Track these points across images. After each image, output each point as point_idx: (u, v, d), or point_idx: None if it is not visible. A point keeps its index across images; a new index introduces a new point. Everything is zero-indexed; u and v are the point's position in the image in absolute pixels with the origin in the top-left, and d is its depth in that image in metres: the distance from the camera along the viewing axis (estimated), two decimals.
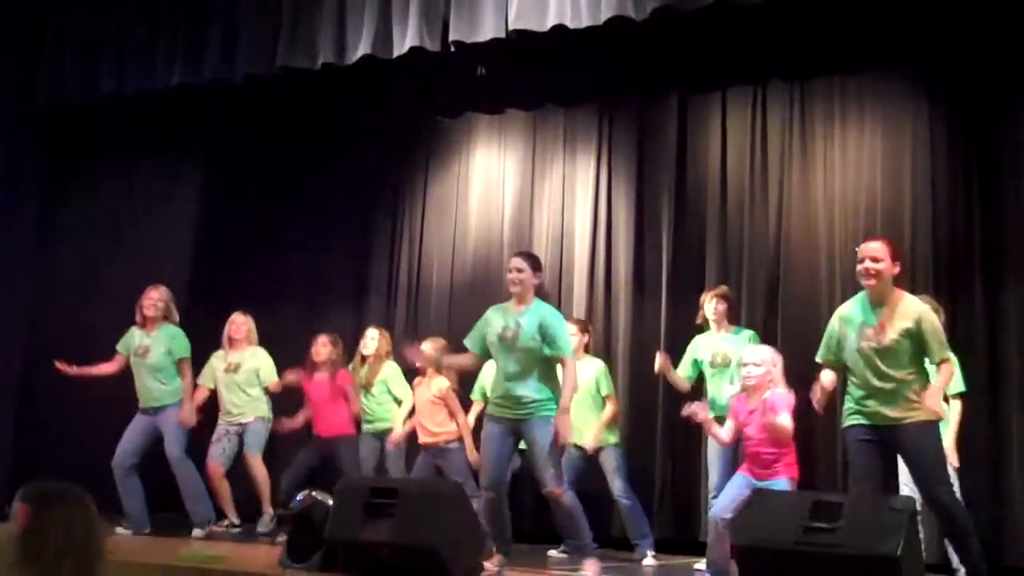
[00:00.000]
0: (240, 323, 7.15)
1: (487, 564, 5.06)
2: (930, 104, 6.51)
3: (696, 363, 6.22)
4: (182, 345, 6.83)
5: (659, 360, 6.23)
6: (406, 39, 6.59)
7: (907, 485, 4.86)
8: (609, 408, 6.42)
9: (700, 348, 6.20)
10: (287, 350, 7.28)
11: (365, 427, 7.02)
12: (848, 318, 4.81)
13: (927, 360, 4.72)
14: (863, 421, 4.68)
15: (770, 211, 6.88)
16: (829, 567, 4.06)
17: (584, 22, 6.16)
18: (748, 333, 6.19)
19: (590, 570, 5.19)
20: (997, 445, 6.02)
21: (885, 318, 4.68)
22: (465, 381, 6.67)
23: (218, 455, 7.06)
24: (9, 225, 8.36)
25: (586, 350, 6.51)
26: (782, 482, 5.19)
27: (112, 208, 8.58)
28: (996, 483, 5.97)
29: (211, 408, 7.18)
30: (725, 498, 5.31)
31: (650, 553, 6.22)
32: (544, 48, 6.64)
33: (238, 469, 7.21)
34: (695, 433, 6.73)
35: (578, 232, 7.51)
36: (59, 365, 6.78)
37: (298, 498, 5.35)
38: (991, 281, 6.20)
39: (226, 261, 8.45)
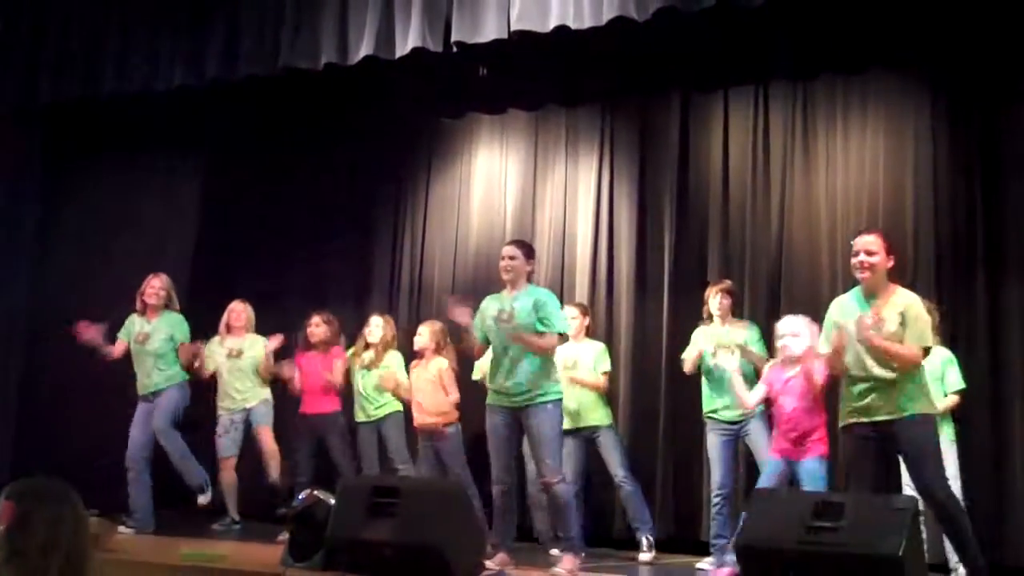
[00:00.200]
0: (240, 311, 7.21)
1: (489, 563, 5.07)
2: (932, 103, 6.51)
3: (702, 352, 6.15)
4: (184, 331, 6.88)
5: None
6: (408, 40, 6.60)
7: (909, 485, 4.87)
8: (601, 380, 6.48)
9: (701, 340, 6.17)
10: (289, 350, 7.28)
11: (361, 417, 7.02)
12: (844, 310, 4.83)
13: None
14: (860, 419, 4.69)
15: (772, 210, 6.89)
16: (832, 567, 4.07)
17: (586, 23, 6.17)
18: (753, 330, 6.20)
19: (566, 566, 5.18)
20: (998, 443, 6.02)
21: (879, 308, 4.71)
22: (464, 366, 6.76)
23: (228, 446, 7.13)
24: (10, 223, 8.37)
25: (587, 333, 6.62)
26: (815, 461, 5.35)
27: (113, 207, 8.58)
28: (997, 481, 5.97)
29: (207, 400, 7.18)
30: (767, 484, 5.40)
31: (646, 541, 6.24)
32: (546, 48, 6.65)
33: (239, 469, 7.23)
34: (697, 432, 6.74)
35: (580, 232, 7.51)
36: (78, 328, 6.78)
37: (300, 497, 5.35)
38: (993, 279, 6.21)
39: (228, 261, 8.46)
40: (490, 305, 5.54)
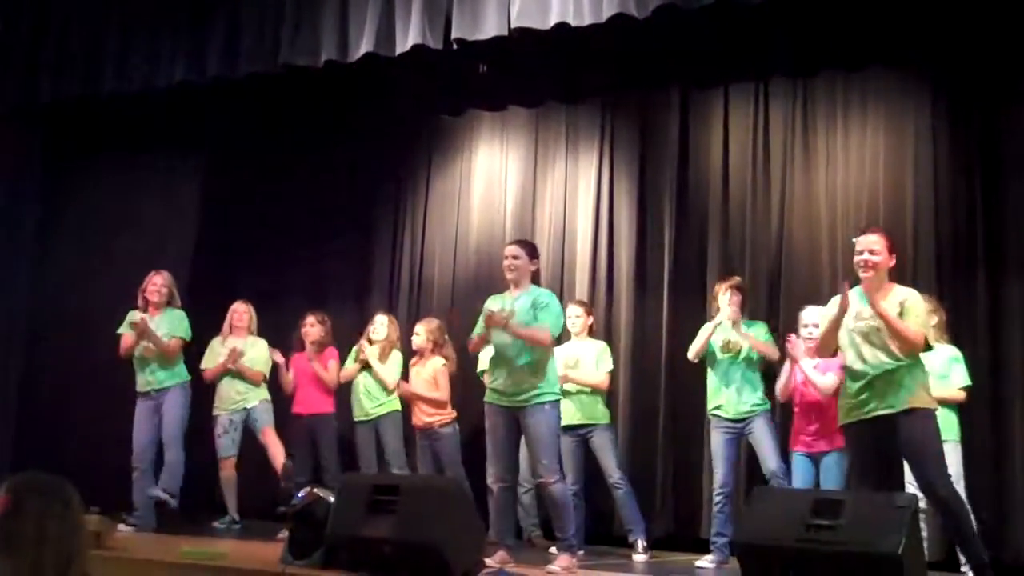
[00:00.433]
0: (242, 311, 7.23)
1: (488, 560, 5.07)
2: (932, 101, 6.50)
3: (709, 344, 6.09)
4: (186, 327, 6.88)
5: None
6: (409, 37, 6.60)
7: (912, 484, 4.86)
8: (604, 379, 6.49)
9: (709, 331, 6.14)
10: (289, 349, 7.29)
11: (359, 416, 7.04)
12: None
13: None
14: (860, 416, 4.67)
15: (772, 207, 6.88)
16: (831, 565, 4.06)
17: (586, 20, 6.17)
18: (761, 326, 6.19)
19: (562, 564, 5.18)
20: (998, 443, 6.01)
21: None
22: (464, 368, 6.80)
23: (228, 446, 7.14)
24: (10, 223, 8.38)
25: (590, 332, 6.62)
26: (837, 454, 5.49)
27: (114, 205, 8.58)
28: (997, 481, 5.95)
29: (207, 402, 7.18)
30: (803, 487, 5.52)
31: (640, 544, 6.25)
32: (546, 45, 6.65)
33: (239, 467, 7.23)
34: (697, 430, 6.75)
35: (580, 228, 7.51)
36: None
37: (300, 495, 5.35)
38: (993, 277, 6.20)
39: (228, 259, 8.46)
40: (492, 305, 5.54)
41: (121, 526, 6.45)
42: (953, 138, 6.43)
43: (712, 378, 6.10)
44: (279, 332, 7.37)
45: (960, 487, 5.17)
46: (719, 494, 5.90)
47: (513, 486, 5.56)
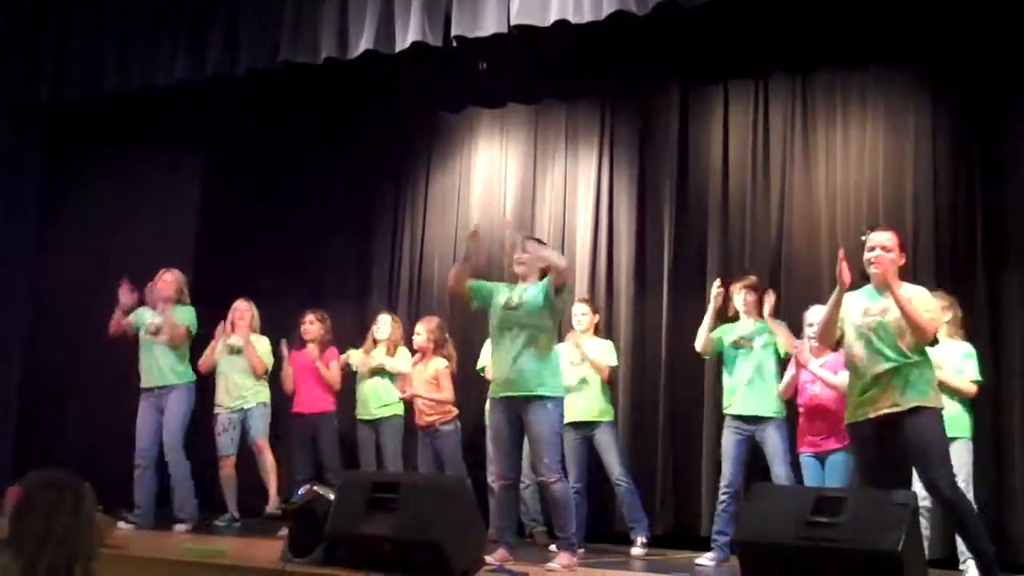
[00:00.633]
0: (243, 309, 7.22)
1: (488, 558, 5.07)
2: (932, 98, 6.50)
3: (720, 341, 6.10)
4: (194, 323, 6.93)
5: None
6: (408, 34, 6.61)
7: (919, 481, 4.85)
8: (610, 363, 6.51)
9: (726, 330, 6.13)
10: (289, 347, 7.28)
11: (362, 415, 7.05)
12: (852, 305, 4.76)
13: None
14: (867, 414, 4.63)
15: (772, 205, 6.88)
16: (831, 562, 4.05)
17: (586, 17, 6.17)
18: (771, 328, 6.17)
19: (560, 563, 5.18)
20: (998, 442, 6.00)
21: (887, 297, 4.67)
22: (464, 365, 6.81)
23: (227, 445, 7.14)
24: (11, 221, 8.37)
25: (595, 331, 6.63)
26: (842, 453, 5.51)
27: (114, 204, 8.60)
28: (998, 480, 5.95)
29: (208, 402, 7.19)
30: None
31: (640, 540, 6.25)
32: (546, 42, 6.65)
33: (239, 464, 7.23)
34: (696, 428, 6.75)
35: (579, 226, 7.51)
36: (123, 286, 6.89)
37: (300, 492, 5.35)
38: (993, 275, 6.20)
39: (228, 256, 8.45)
40: (501, 290, 5.50)
41: (121, 524, 6.46)
42: (953, 135, 6.42)
43: (726, 377, 6.08)
44: (279, 331, 7.34)
45: (969, 486, 5.16)
46: (725, 493, 5.87)
47: (515, 484, 5.55)
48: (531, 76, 7.68)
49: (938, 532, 5.59)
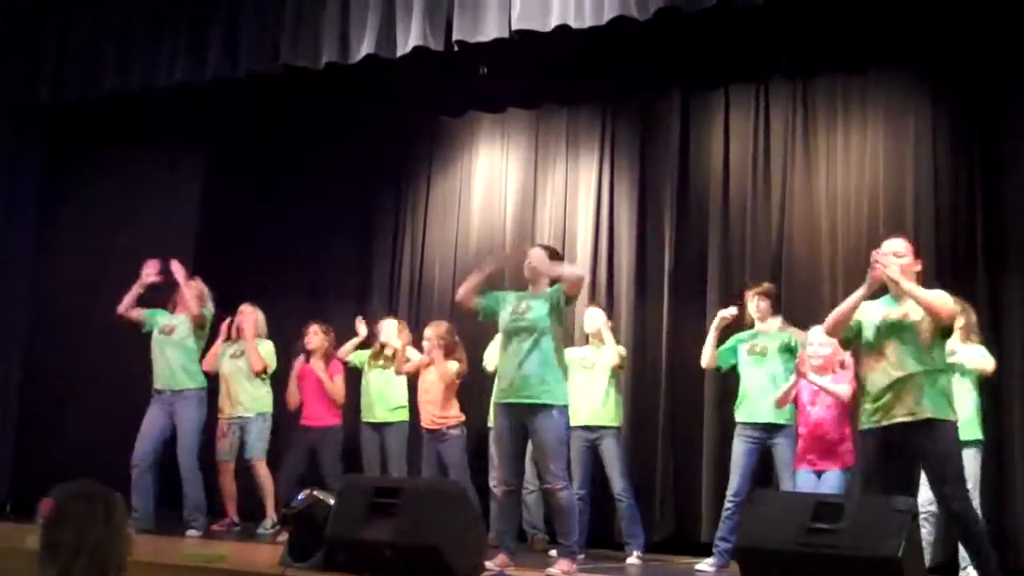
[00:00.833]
0: (248, 313, 7.19)
1: (489, 563, 5.07)
2: (932, 99, 6.51)
3: (733, 350, 6.07)
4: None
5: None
6: (409, 38, 6.61)
7: (927, 485, 4.84)
8: (619, 353, 6.47)
9: (741, 338, 6.10)
10: (289, 350, 7.29)
11: (368, 418, 7.06)
12: (869, 311, 4.68)
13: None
14: (881, 423, 4.54)
15: (772, 209, 6.88)
16: (831, 568, 4.06)
17: (587, 22, 6.18)
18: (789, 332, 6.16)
19: (560, 569, 5.17)
20: (998, 443, 6.00)
21: (905, 302, 4.60)
22: (470, 369, 6.79)
23: (227, 451, 7.12)
24: (11, 221, 8.37)
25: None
26: (838, 474, 5.49)
27: (114, 204, 8.59)
28: (998, 481, 5.95)
29: (212, 408, 7.18)
30: None
31: (636, 554, 6.24)
32: (547, 47, 6.65)
33: (238, 471, 7.23)
34: (696, 433, 6.75)
35: (580, 230, 7.51)
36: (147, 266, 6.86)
37: (300, 497, 5.34)
38: (993, 276, 6.21)
39: (228, 257, 8.44)
40: (510, 297, 5.50)
41: None
42: (953, 138, 6.44)
43: (741, 385, 6.03)
44: (278, 333, 7.35)
45: (976, 492, 5.14)
46: (731, 501, 5.81)
47: (517, 490, 5.52)
48: (532, 81, 7.68)
49: (939, 537, 5.59)
